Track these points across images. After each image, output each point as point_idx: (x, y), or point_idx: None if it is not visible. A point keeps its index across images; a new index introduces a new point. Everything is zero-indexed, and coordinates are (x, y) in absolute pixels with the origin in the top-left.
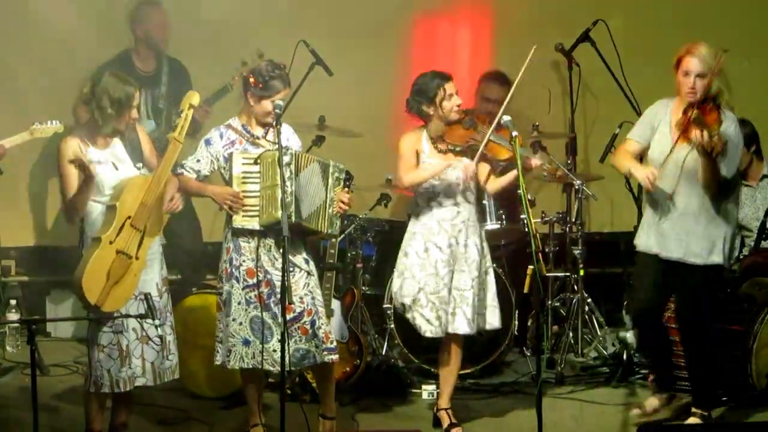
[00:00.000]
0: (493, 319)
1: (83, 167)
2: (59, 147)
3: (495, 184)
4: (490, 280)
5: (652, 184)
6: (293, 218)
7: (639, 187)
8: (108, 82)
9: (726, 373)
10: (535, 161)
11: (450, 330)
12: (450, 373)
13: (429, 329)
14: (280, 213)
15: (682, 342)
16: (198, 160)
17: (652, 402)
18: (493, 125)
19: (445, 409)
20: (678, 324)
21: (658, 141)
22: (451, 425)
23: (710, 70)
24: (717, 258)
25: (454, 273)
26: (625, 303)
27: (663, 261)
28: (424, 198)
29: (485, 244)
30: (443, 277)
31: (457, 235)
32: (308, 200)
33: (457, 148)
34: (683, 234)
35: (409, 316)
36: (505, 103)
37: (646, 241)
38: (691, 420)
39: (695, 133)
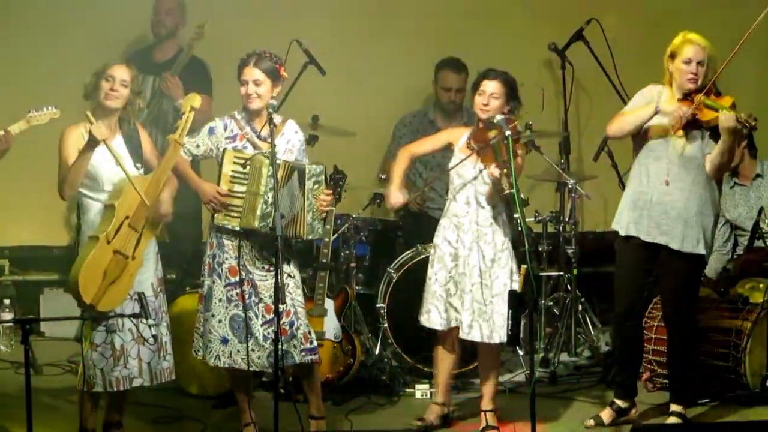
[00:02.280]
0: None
1: (97, 130)
2: (63, 134)
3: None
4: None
5: (681, 118)
6: (268, 228)
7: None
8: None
9: (720, 372)
10: (492, 170)
11: (452, 325)
12: (483, 375)
13: (438, 322)
14: (257, 223)
15: (668, 335)
16: (197, 145)
17: (608, 413)
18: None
19: (484, 411)
20: (664, 316)
21: (655, 126)
22: (486, 428)
23: (708, 58)
24: (702, 249)
25: (459, 274)
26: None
27: (648, 249)
28: (452, 192)
29: (501, 254)
30: (450, 271)
31: (463, 233)
32: (284, 207)
33: (475, 147)
34: (674, 220)
35: (440, 305)
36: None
37: (630, 225)
38: (671, 419)
39: (723, 116)
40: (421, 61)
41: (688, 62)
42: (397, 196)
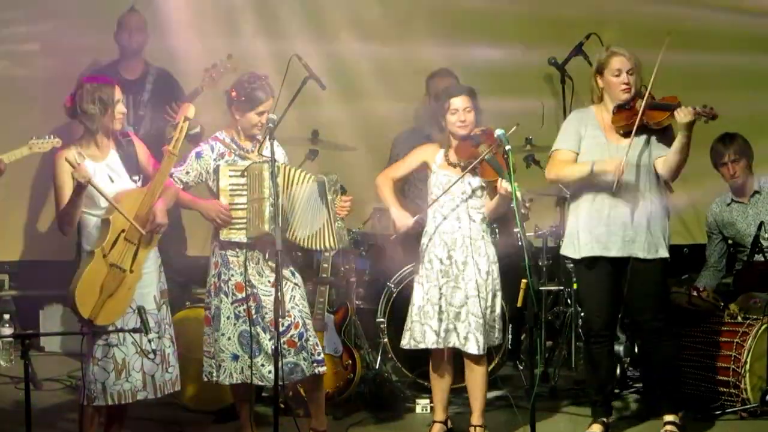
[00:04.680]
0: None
1: (79, 174)
2: (55, 160)
3: (487, 207)
4: (496, 302)
5: (622, 174)
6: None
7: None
8: (86, 87)
9: (720, 386)
10: (505, 186)
11: (449, 344)
12: (472, 390)
13: (432, 340)
14: (267, 226)
15: (645, 347)
16: (187, 172)
17: (598, 428)
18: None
19: (474, 426)
20: (638, 328)
21: (592, 146)
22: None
23: (636, 66)
24: (665, 252)
25: (451, 289)
26: (619, 316)
27: (614, 264)
28: (432, 210)
29: (494, 266)
30: (441, 288)
31: (455, 249)
32: (303, 220)
33: (461, 163)
34: (635, 230)
35: (417, 327)
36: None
37: (593, 245)
38: (668, 429)
39: (681, 112)
40: (421, 76)
41: (618, 74)
42: (405, 218)
